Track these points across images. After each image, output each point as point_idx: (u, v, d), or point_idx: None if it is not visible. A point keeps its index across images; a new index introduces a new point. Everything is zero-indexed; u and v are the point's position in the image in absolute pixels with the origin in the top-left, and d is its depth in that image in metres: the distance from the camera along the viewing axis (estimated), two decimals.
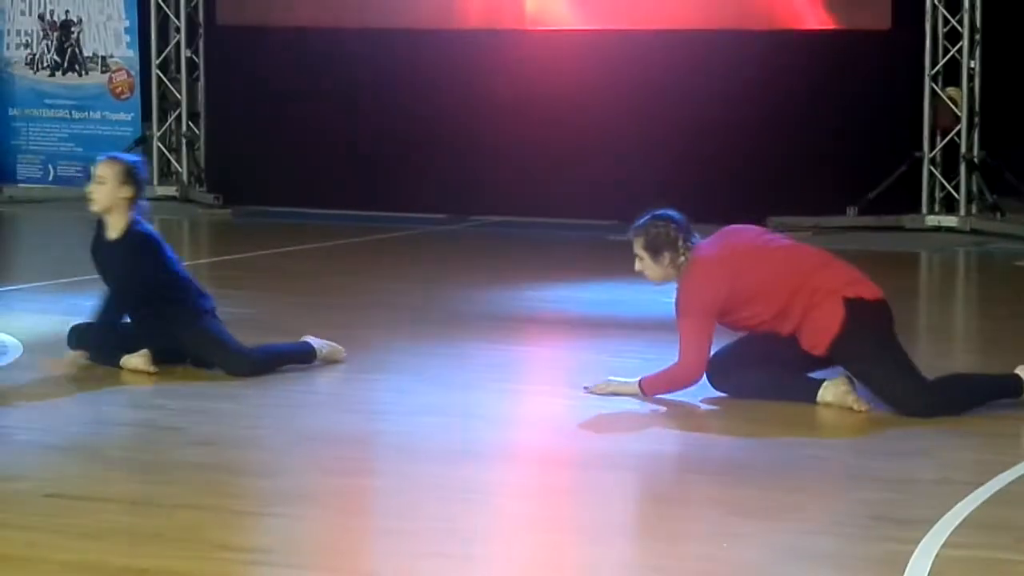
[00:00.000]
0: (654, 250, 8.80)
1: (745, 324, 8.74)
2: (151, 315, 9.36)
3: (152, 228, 9.45)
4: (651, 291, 9.88)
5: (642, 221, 8.86)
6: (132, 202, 9.30)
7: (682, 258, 8.74)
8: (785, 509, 6.85)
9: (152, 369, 9.22)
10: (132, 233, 9.27)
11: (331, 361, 9.48)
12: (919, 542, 6.15)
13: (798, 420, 8.34)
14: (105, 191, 9.23)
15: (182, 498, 6.94)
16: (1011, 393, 8.59)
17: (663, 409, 8.57)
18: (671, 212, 8.86)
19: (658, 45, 15.69)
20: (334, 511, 7.00)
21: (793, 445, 7.92)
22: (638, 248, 8.84)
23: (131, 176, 9.32)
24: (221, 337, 9.36)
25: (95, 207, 9.29)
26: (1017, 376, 8.60)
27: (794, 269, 8.70)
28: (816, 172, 15.32)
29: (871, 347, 8.62)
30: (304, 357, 9.44)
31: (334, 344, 9.50)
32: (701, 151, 15.55)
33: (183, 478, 7.27)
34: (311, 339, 9.48)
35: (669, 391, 8.68)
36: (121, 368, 9.24)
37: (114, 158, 9.54)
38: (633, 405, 8.57)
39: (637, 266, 8.87)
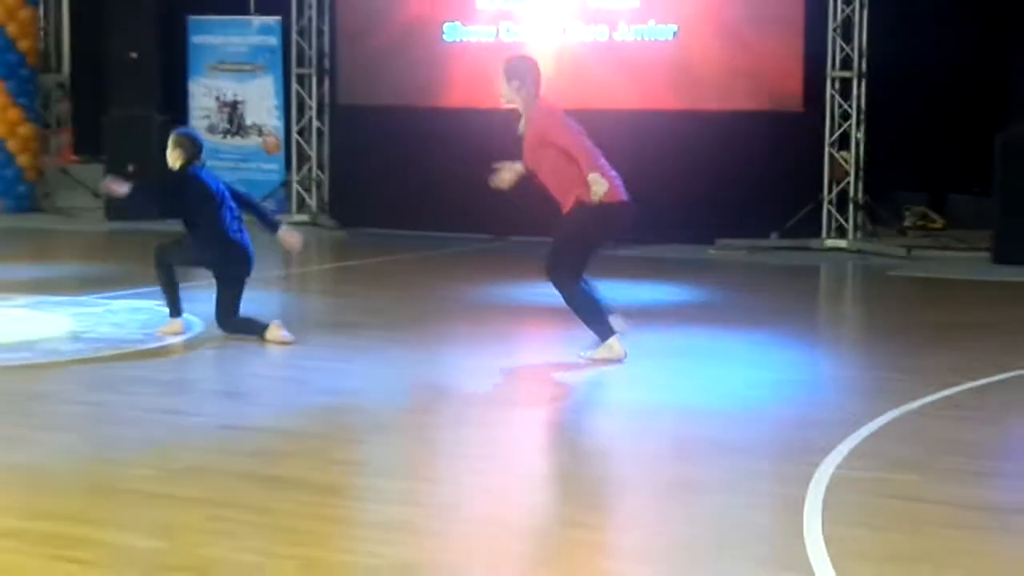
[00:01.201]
0: (508, 75, 8.81)
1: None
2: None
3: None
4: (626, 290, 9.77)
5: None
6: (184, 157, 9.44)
7: (525, 92, 8.75)
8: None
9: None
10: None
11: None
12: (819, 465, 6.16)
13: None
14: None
15: (309, 428, 7.09)
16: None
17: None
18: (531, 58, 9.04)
19: (656, 121, 15.71)
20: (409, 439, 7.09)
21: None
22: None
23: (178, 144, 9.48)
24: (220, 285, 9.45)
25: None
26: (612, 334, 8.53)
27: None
28: (749, 208, 15.38)
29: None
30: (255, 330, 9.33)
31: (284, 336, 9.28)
32: (670, 192, 15.61)
33: (311, 414, 7.41)
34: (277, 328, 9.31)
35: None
36: None
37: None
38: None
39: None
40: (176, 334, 9.41)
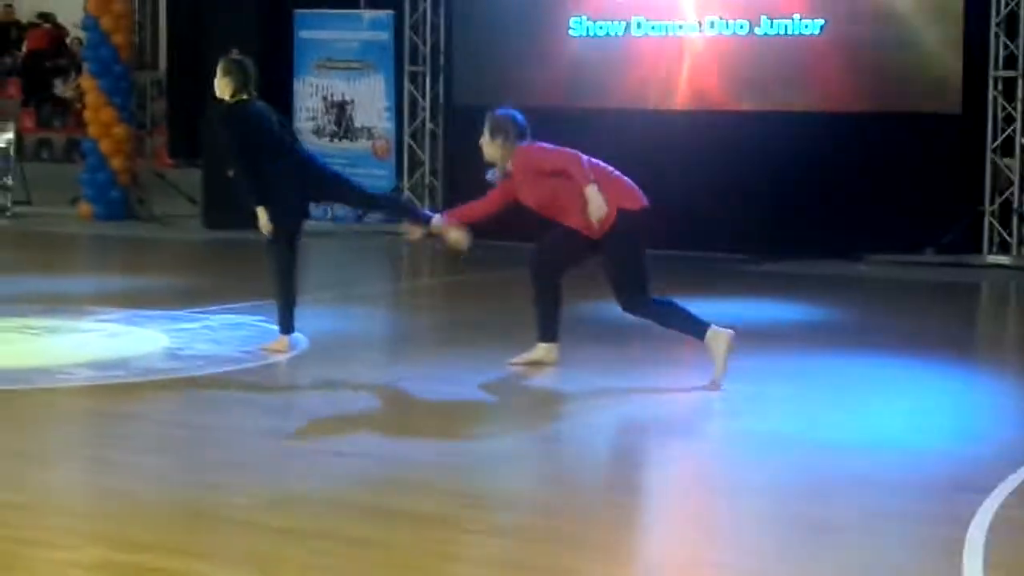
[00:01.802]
0: (492, 131, 8.92)
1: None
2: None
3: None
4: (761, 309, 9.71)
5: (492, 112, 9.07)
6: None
7: (509, 145, 8.84)
8: None
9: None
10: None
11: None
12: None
13: None
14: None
15: (418, 455, 7.15)
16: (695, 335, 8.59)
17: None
18: (514, 112, 9.04)
19: (796, 124, 15.68)
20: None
21: None
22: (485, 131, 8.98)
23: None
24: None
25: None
26: (707, 325, 8.54)
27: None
28: (901, 220, 15.27)
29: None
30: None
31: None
32: (815, 203, 15.55)
33: (420, 440, 7.45)
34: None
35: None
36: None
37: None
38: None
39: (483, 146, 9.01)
40: (282, 352, 9.51)
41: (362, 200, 10.06)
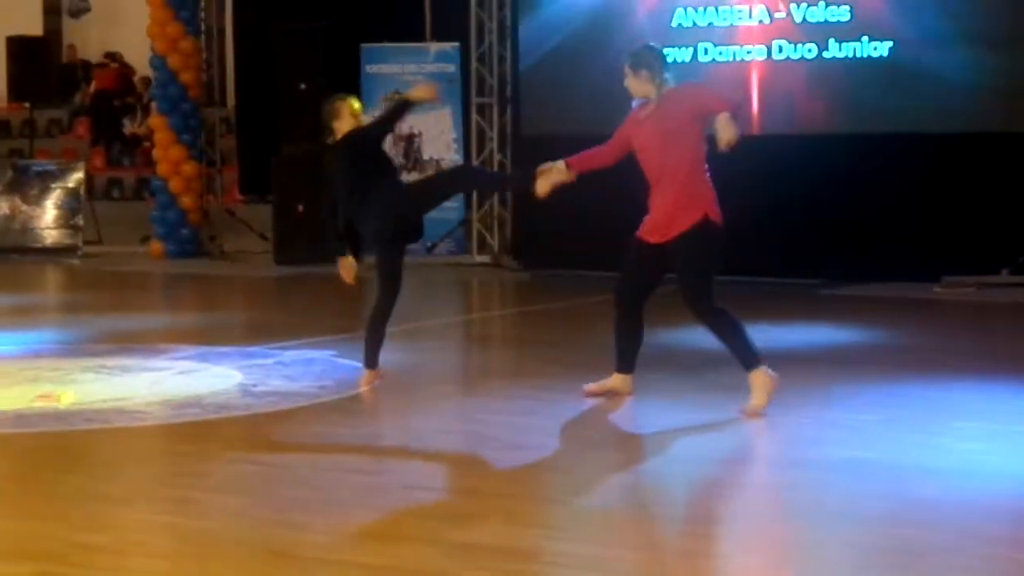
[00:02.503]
0: (635, 65, 9.03)
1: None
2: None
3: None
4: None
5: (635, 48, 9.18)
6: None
7: (658, 79, 8.93)
8: None
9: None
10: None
11: None
12: None
13: None
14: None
15: (498, 488, 7.11)
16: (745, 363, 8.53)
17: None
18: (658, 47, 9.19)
19: (870, 146, 15.62)
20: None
21: None
22: (627, 67, 9.11)
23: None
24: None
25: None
26: (760, 362, 8.50)
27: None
28: (978, 241, 15.16)
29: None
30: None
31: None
32: (891, 225, 15.47)
33: (500, 473, 7.46)
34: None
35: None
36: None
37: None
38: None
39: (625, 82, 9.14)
40: (367, 386, 9.56)
41: (469, 183, 9.93)
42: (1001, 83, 15.18)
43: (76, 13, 25.77)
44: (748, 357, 8.61)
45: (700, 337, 9.22)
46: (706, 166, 8.74)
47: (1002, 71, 15.18)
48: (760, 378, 8.54)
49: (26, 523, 6.53)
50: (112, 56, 25.57)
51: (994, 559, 5.79)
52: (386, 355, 9.79)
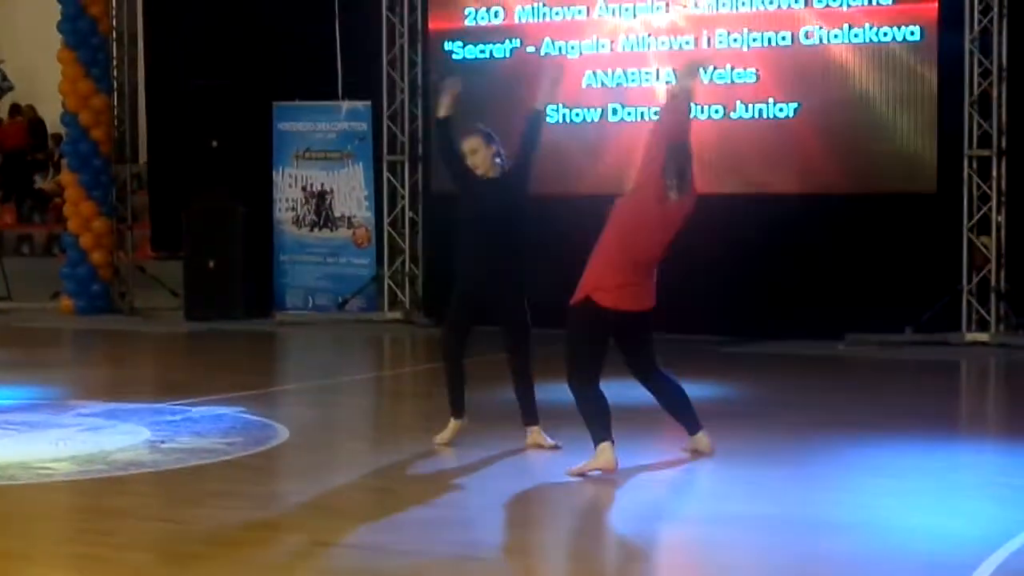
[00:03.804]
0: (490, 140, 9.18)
1: None
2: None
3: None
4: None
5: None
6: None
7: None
8: None
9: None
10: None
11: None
12: None
13: None
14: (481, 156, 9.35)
15: (407, 544, 7.11)
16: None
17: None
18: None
19: (773, 206, 15.76)
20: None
21: None
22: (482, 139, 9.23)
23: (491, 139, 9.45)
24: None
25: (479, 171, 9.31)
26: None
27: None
28: (880, 299, 15.33)
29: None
30: None
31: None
32: (794, 283, 15.60)
33: (408, 529, 7.46)
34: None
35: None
36: None
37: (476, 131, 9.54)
38: None
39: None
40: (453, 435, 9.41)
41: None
42: (903, 144, 15.38)
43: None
44: (690, 420, 8.83)
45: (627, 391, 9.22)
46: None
47: (904, 133, 15.40)
48: (701, 443, 8.64)
49: None
50: (18, 108, 25.36)
51: None
52: (296, 411, 9.74)
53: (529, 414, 9.33)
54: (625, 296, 8.62)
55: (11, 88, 25.32)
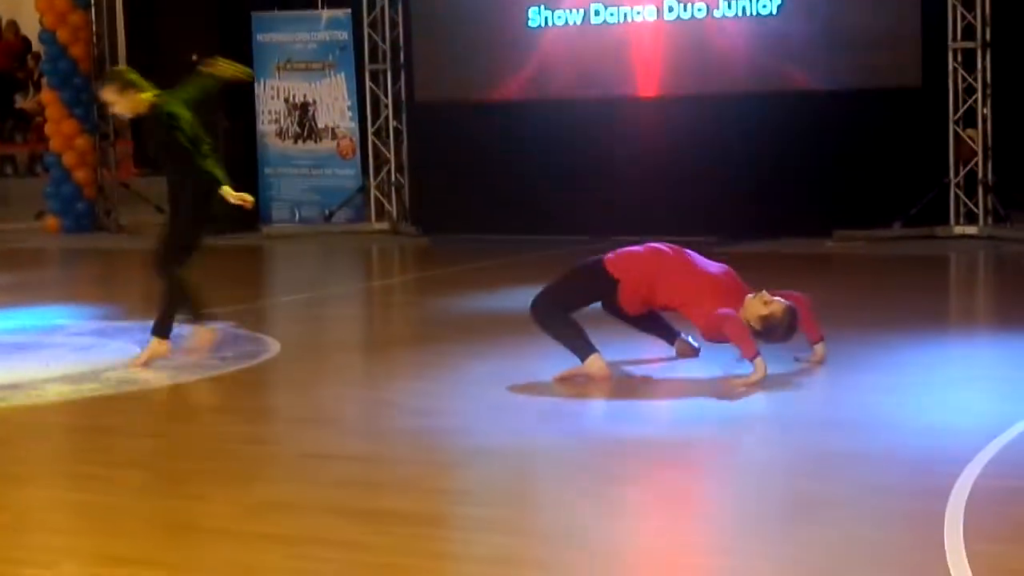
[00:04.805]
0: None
1: None
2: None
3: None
4: None
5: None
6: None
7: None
8: None
9: None
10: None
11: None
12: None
13: None
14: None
15: (400, 454, 7.03)
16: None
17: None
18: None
19: (758, 105, 15.71)
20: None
21: None
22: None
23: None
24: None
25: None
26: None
27: None
28: (868, 195, 15.32)
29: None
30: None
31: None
32: (782, 181, 15.57)
33: (401, 439, 7.38)
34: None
35: None
36: None
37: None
38: None
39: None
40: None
41: None
42: (887, 39, 15.29)
43: None
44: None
45: None
46: None
47: (888, 28, 15.30)
48: (596, 361, 8.47)
49: None
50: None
51: (889, 510, 5.85)
52: (286, 325, 9.73)
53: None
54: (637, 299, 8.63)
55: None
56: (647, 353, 8.96)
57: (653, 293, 8.54)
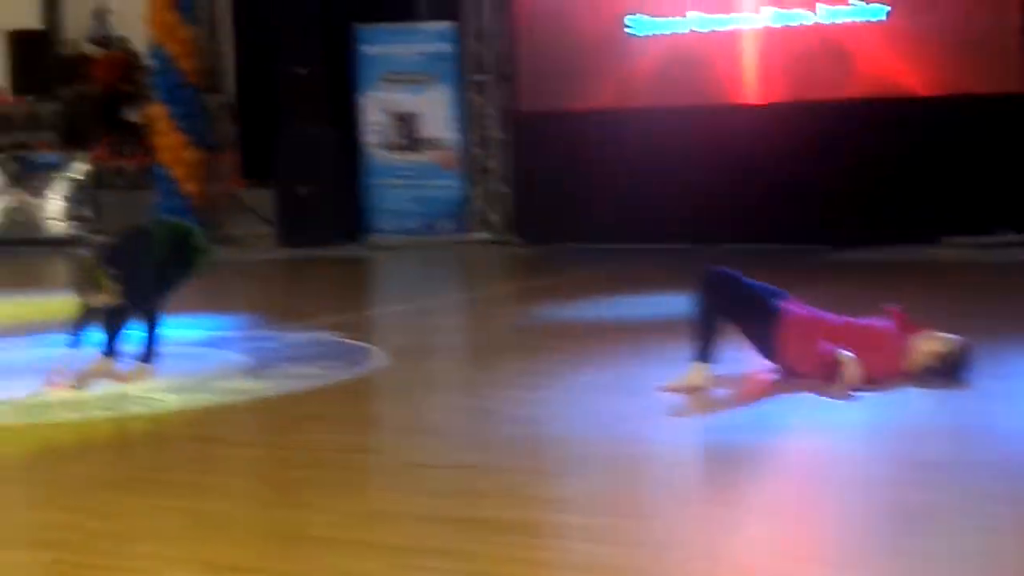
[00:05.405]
0: None
1: None
2: None
3: None
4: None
5: None
6: None
7: None
8: None
9: None
10: None
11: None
12: None
13: None
14: None
15: (504, 463, 7.04)
16: None
17: None
18: None
19: (857, 110, 15.61)
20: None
21: None
22: None
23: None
24: None
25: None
26: None
27: None
28: (976, 201, 15.14)
29: None
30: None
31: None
32: (888, 187, 15.44)
33: (504, 448, 7.39)
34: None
35: None
36: None
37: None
38: None
39: None
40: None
41: None
42: (998, 43, 15.13)
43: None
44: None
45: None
46: None
47: (993, 33, 15.15)
48: (702, 370, 8.46)
49: (39, 512, 6.57)
50: (106, 41, 25.48)
51: (996, 519, 5.79)
52: (390, 334, 9.79)
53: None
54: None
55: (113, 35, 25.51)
56: (751, 365, 8.91)
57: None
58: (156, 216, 8.89)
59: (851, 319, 8.67)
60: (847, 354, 8.16)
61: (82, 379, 9.19)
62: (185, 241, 9.77)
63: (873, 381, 8.16)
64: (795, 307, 8.62)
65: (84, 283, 9.20)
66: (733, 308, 8.57)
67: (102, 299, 9.19)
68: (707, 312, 8.50)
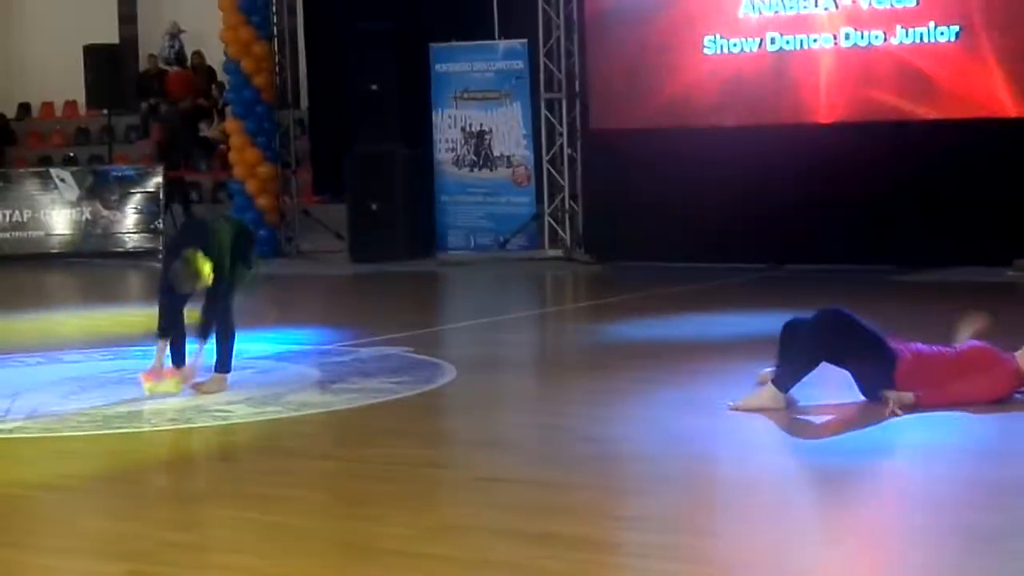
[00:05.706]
0: None
1: None
2: None
3: None
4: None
5: None
6: None
7: None
8: None
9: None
10: None
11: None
12: None
13: None
14: None
15: (575, 480, 7.04)
16: None
17: None
18: None
19: (930, 132, 15.53)
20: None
21: None
22: None
23: None
24: None
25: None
26: None
27: None
28: None
29: None
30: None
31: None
32: (961, 209, 15.33)
33: (575, 464, 7.41)
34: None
35: None
36: None
37: None
38: None
39: None
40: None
41: None
42: None
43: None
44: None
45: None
46: None
47: None
48: (777, 394, 8.42)
49: (114, 523, 6.62)
50: (182, 57, 25.73)
51: None
52: (462, 350, 9.82)
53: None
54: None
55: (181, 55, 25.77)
56: (823, 387, 8.88)
57: None
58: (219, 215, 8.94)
59: (948, 347, 8.57)
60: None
61: (181, 378, 9.35)
62: (244, 234, 9.86)
63: (994, 402, 8.14)
64: (901, 345, 8.50)
65: (185, 272, 9.33)
66: (851, 350, 8.44)
67: (202, 283, 9.36)
68: (816, 348, 8.38)
